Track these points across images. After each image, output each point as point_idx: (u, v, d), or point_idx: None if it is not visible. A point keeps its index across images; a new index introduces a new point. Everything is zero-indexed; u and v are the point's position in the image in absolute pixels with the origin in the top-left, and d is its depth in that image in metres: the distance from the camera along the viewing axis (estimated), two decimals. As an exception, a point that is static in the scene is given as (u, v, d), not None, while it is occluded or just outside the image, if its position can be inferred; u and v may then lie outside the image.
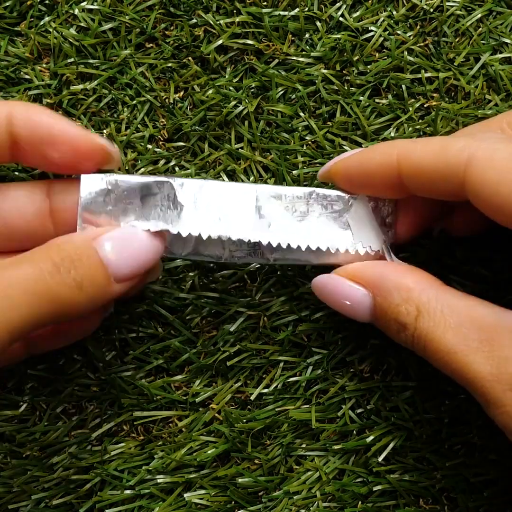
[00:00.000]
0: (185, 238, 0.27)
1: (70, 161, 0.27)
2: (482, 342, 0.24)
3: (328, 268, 0.29)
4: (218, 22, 0.32)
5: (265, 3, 0.32)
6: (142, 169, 0.31)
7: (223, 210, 0.27)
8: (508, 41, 0.32)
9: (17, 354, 0.29)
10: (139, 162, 0.32)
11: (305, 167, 0.32)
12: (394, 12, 0.32)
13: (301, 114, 0.32)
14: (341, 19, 0.32)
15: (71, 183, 0.28)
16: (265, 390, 0.31)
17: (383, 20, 0.32)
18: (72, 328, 0.29)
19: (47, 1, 0.32)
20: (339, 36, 0.32)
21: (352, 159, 0.27)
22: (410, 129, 0.32)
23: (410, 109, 0.32)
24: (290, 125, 0.32)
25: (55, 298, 0.24)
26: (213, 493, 0.31)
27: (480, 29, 0.32)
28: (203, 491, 0.31)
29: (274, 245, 0.27)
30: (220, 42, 0.32)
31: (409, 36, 0.32)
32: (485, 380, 0.23)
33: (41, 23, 0.32)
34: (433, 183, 0.25)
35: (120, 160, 0.28)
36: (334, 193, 0.28)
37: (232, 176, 0.32)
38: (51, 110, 0.28)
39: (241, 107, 0.31)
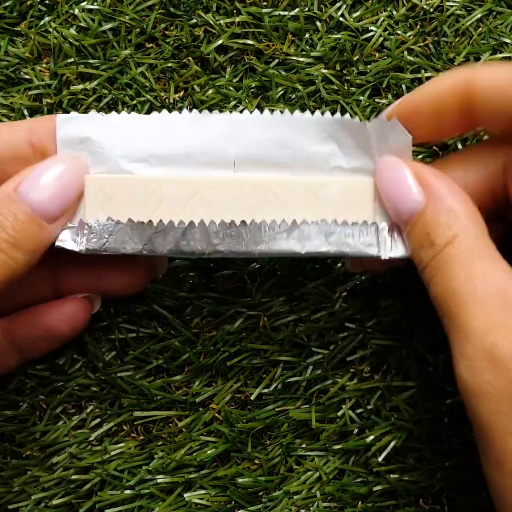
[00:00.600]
0: (165, 233, 0.26)
1: None
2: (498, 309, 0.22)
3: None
4: (218, 22, 0.32)
5: (265, 3, 0.32)
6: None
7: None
8: (508, 41, 0.32)
9: (8, 361, 0.29)
10: (139, 162, 0.31)
11: (305, 167, 0.31)
12: (394, 12, 0.32)
13: (301, 114, 0.32)
14: (341, 19, 0.32)
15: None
16: (265, 390, 0.31)
17: (383, 20, 0.32)
18: (61, 327, 0.29)
19: (47, 1, 0.32)
20: (339, 36, 0.32)
21: (419, 91, 0.26)
22: (410, 129, 0.32)
23: (410, 109, 0.32)
24: (290, 125, 0.32)
25: None
26: (213, 493, 0.31)
27: (480, 29, 0.32)
28: (203, 491, 0.31)
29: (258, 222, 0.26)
30: (220, 42, 0.32)
31: (409, 36, 0.32)
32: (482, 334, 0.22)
33: (41, 23, 0.32)
34: (507, 105, 0.23)
35: None
36: None
37: (232, 176, 0.32)
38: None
39: (241, 107, 0.31)
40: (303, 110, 0.32)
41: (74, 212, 0.26)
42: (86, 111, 0.32)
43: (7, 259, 0.25)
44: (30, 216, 0.25)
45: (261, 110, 0.26)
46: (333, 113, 0.26)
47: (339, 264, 0.31)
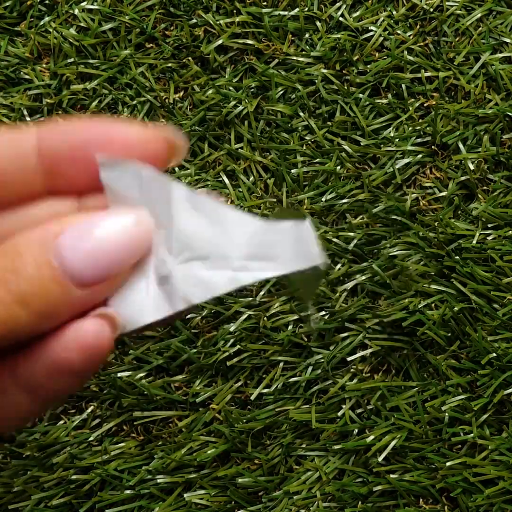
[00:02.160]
0: None
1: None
2: None
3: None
4: (218, 22, 0.32)
5: (265, 3, 0.32)
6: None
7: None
8: (508, 40, 0.32)
9: (20, 406, 0.22)
10: (139, 162, 0.32)
11: (304, 167, 0.31)
12: (394, 12, 0.32)
13: (301, 113, 0.32)
14: (341, 19, 0.32)
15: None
16: (265, 390, 0.31)
17: (383, 20, 0.32)
18: (70, 359, 0.22)
19: (47, 1, 0.32)
20: (339, 36, 0.32)
21: None
22: (410, 128, 0.32)
23: (410, 108, 0.32)
24: (289, 124, 0.32)
25: None
26: (213, 493, 0.31)
27: (480, 28, 0.32)
28: (203, 491, 0.31)
29: None
30: (220, 42, 0.32)
31: (409, 36, 0.32)
32: None
33: (41, 23, 0.32)
34: None
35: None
36: None
37: (232, 176, 0.32)
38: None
39: (241, 107, 0.31)
40: (303, 109, 0.32)
41: (116, 286, 0.20)
42: (86, 111, 0.32)
43: (3, 314, 0.19)
44: (55, 274, 0.19)
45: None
46: None
47: (339, 265, 0.31)
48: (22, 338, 0.21)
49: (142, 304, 0.22)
